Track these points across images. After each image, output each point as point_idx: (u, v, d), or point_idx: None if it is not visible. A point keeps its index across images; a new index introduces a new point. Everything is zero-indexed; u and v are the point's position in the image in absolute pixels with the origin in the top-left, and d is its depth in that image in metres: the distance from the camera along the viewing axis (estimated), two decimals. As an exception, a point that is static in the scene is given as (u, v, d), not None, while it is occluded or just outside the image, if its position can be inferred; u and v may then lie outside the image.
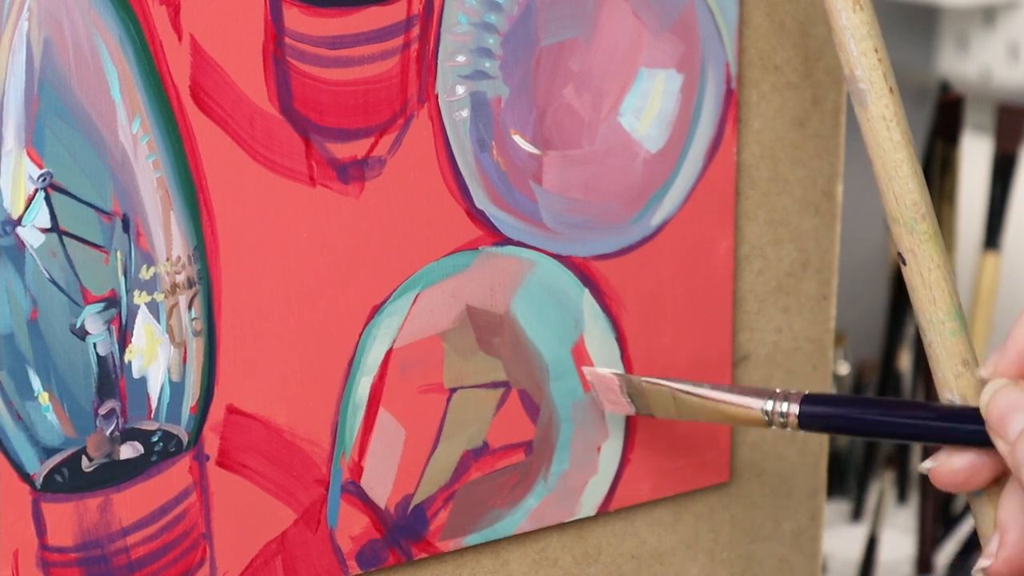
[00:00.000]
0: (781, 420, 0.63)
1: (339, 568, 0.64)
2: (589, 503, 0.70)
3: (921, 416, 0.61)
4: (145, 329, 0.58)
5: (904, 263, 0.62)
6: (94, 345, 0.57)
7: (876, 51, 0.62)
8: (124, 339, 0.58)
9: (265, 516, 0.62)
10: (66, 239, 0.56)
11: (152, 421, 0.59)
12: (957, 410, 0.60)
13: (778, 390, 0.64)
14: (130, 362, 0.58)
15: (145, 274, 0.58)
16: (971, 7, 1.41)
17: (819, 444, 0.77)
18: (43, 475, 0.57)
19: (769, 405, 0.63)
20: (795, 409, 0.62)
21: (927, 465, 0.60)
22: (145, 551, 0.59)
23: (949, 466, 0.60)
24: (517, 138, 0.65)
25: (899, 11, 1.45)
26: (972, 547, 1.16)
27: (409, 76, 0.62)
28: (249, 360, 0.60)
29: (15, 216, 0.55)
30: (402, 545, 0.65)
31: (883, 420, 0.61)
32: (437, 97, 0.63)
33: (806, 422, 0.63)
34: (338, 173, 0.61)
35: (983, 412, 0.58)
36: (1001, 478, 0.60)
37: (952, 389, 0.61)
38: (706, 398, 0.65)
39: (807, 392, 0.63)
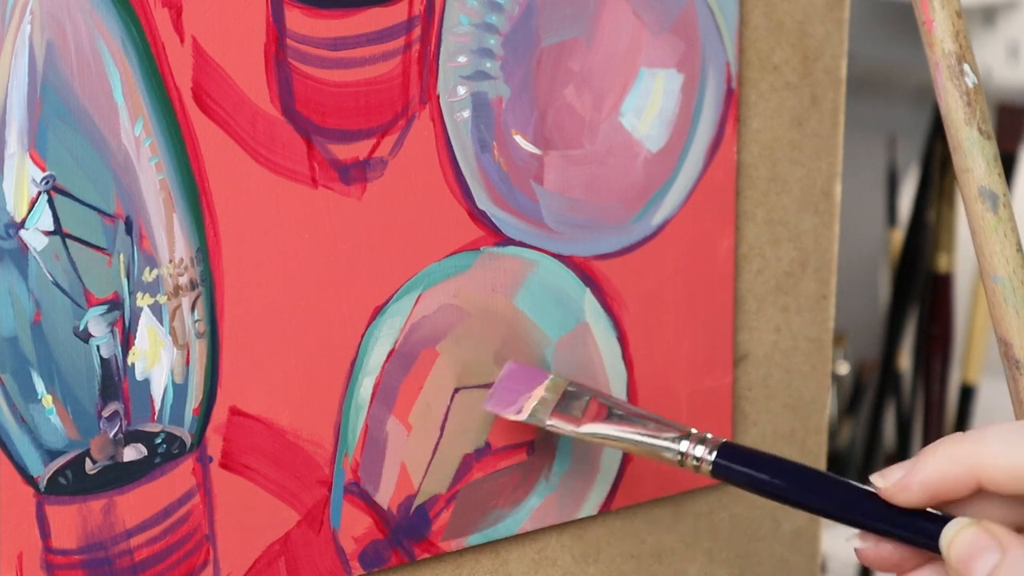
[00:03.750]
0: (694, 463, 0.61)
1: (342, 569, 0.64)
2: (591, 502, 0.70)
3: (835, 497, 0.59)
4: (148, 331, 0.58)
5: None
6: (97, 347, 0.57)
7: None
8: (127, 341, 0.58)
9: (268, 517, 0.62)
10: (69, 242, 0.56)
11: (155, 423, 0.59)
12: (878, 500, 0.58)
13: (694, 431, 0.62)
14: (133, 364, 0.58)
15: (148, 276, 0.58)
16: (971, 7, 1.41)
17: (818, 444, 0.77)
18: (47, 478, 0.57)
19: (684, 447, 0.62)
20: (709, 456, 0.61)
21: (856, 545, 0.58)
22: (149, 553, 0.60)
23: (877, 551, 0.58)
24: (518, 138, 0.65)
25: (899, 11, 1.45)
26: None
27: (410, 77, 0.62)
28: (252, 361, 0.60)
29: (18, 219, 0.55)
30: (405, 545, 0.65)
31: (795, 492, 0.59)
32: (438, 98, 0.63)
33: (720, 472, 0.61)
34: (340, 174, 0.61)
35: (943, 550, 0.56)
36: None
37: None
38: (621, 440, 0.63)
39: (725, 441, 0.61)
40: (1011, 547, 0.55)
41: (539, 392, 0.65)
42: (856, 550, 0.58)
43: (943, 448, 0.56)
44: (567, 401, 0.65)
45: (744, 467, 0.61)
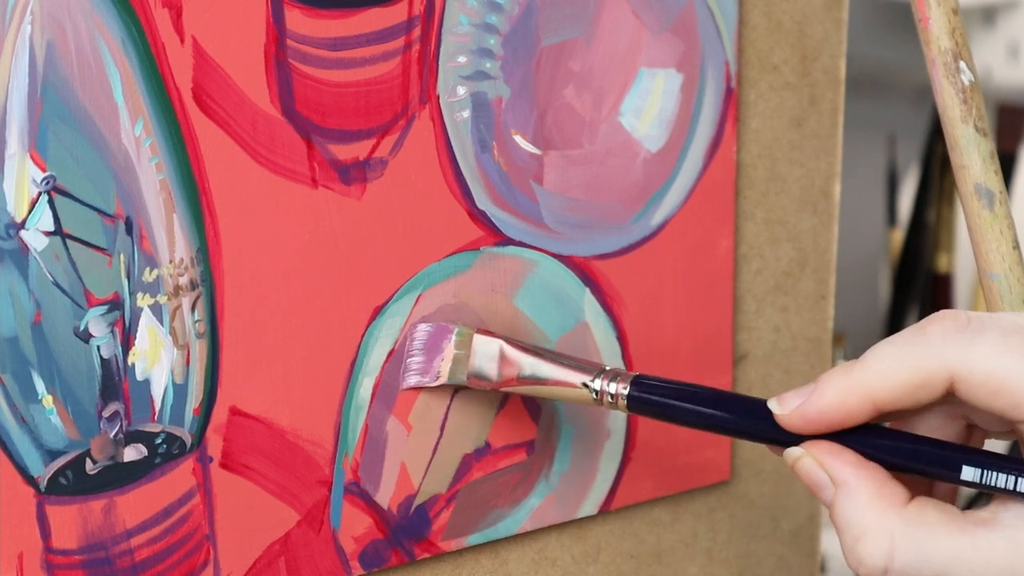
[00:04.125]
0: (610, 400, 0.61)
1: (342, 569, 0.64)
2: (591, 502, 0.70)
3: (743, 418, 0.58)
4: (148, 331, 0.58)
5: None
6: (98, 348, 0.57)
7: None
8: (128, 341, 0.58)
9: (268, 517, 0.62)
10: (69, 242, 0.56)
11: (156, 423, 0.59)
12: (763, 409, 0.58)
13: (608, 367, 0.61)
14: (133, 364, 0.58)
15: (148, 276, 0.58)
16: (971, 7, 1.41)
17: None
18: (47, 478, 0.57)
19: (597, 384, 0.61)
20: (624, 390, 0.60)
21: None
22: (149, 553, 0.60)
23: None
24: (518, 138, 0.65)
25: (898, 11, 1.45)
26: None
27: (410, 77, 0.62)
28: (252, 362, 0.60)
29: (19, 219, 0.55)
30: (405, 545, 0.65)
31: (705, 415, 0.59)
32: (438, 98, 0.63)
33: (634, 405, 0.60)
34: (340, 174, 0.61)
35: (791, 470, 0.57)
36: None
37: None
38: (530, 380, 0.63)
39: (637, 375, 0.61)
40: (840, 482, 0.55)
41: (450, 350, 0.64)
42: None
43: (835, 379, 0.56)
44: (479, 354, 0.64)
45: (658, 397, 0.60)
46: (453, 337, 0.64)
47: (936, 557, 0.54)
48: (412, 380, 0.64)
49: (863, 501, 0.55)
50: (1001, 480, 0.54)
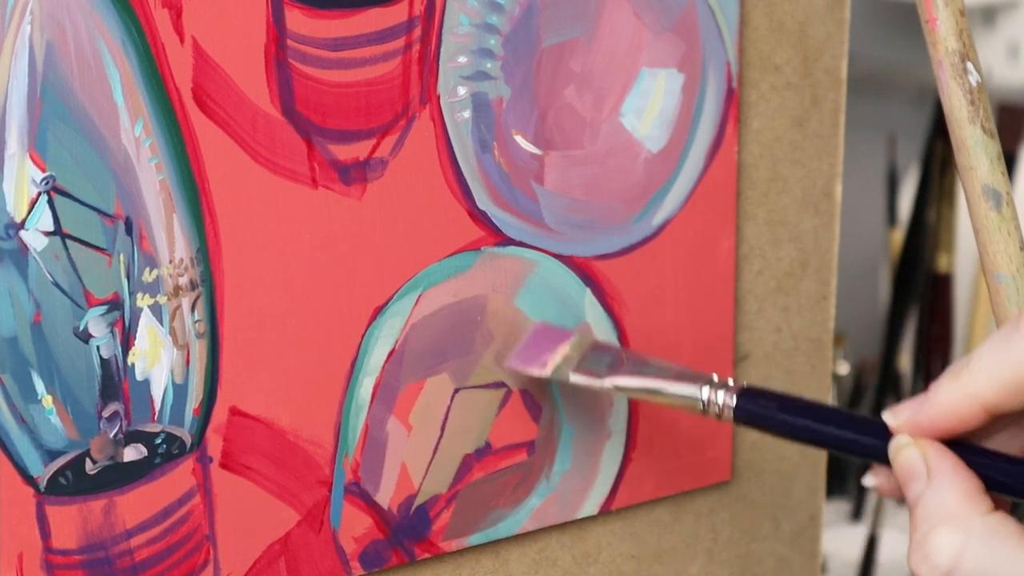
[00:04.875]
0: (716, 411, 0.61)
1: (342, 569, 0.64)
2: (592, 502, 0.70)
3: (852, 433, 0.58)
4: (148, 331, 0.58)
5: None
6: (97, 348, 0.57)
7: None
8: (127, 342, 0.58)
9: (268, 517, 0.62)
10: (69, 242, 0.56)
11: (155, 423, 0.59)
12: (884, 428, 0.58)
13: (715, 378, 0.62)
14: (133, 364, 0.58)
15: (148, 277, 0.58)
16: (971, 7, 1.41)
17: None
18: (47, 478, 0.57)
19: (706, 394, 0.61)
20: (731, 401, 0.61)
21: (868, 482, 0.59)
22: (149, 553, 0.60)
23: (890, 483, 0.58)
24: (519, 138, 0.65)
25: (899, 11, 1.45)
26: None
27: (411, 77, 0.62)
28: (252, 362, 0.60)
29: (18, 219, 0.55)
30: (405, 546, 0.65)
31: (815, 430, 0.59)
32: (439, 98, 0.63)
33: (742, 417, 0.61)
34: (340, 175, 0.61)
35: (891, 459, 0.57)
36: None
37: None
38: (645, 391, 0.63)
39: (745, 385, 0.61)
40: (936, 475, 0.55)
41: (563, 349, 0.65)
42: (874, 487, 0.59)
43: (945, 385, 0.56)
44: (591, 358, 0.65)
45: (765, 409, 0.60)
46: (570, 340, 0.65)
47: (1005, 570, 0.53)
48: (518, 364, 0.65)
49: (952, 497, 0.55)
50: None
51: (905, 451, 0.56)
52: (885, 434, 0.58)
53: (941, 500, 0.55)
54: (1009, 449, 0.57)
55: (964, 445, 0.56)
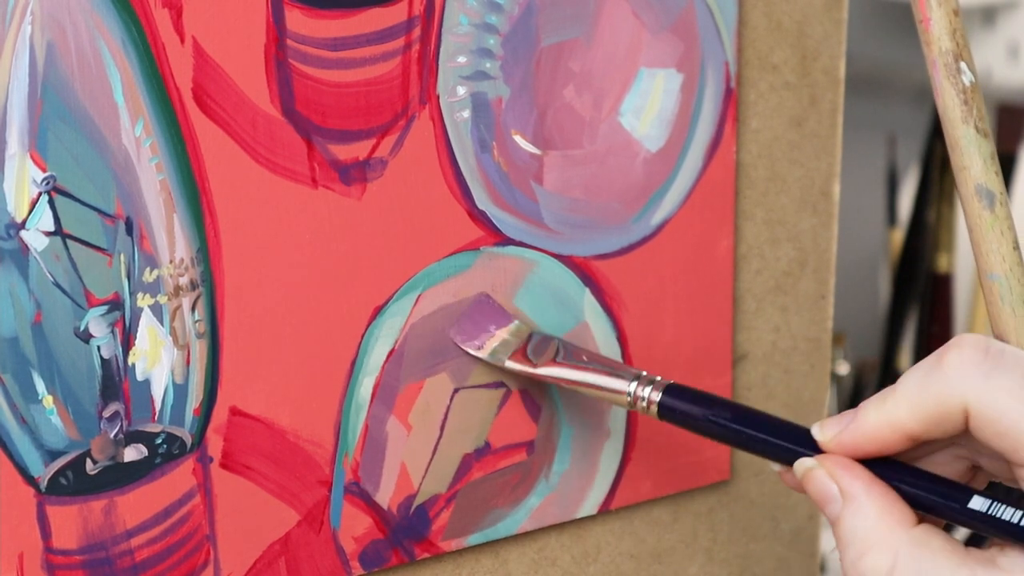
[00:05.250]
0: (643, 405, 0.62)
1: (342, 569, 0.64)
2: (591, 502, 0.70)
3: (775, 437, 0.59)
4: (149, 332, 0.58)
5: None
6: (98, 348, 0.57)
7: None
8: (128, 342, 0.58)
9: (268, 517, 0.62)
10: (70, 242, 0.56)
11: (156, 423, 0.59)
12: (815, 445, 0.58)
13: (644, 374, 0.63)
14: (134, 365, 0.58)
15: (148, 277, 0.58)
16: (971, 7, 1.41)
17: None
18: (47, 478, 0.57)
19: (632, 387, 0.62)
20: (656, 396, 0.62)
21: (775, 468, 0.59)
22: (149, 553, 0.60)
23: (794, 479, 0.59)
24: (518, 138, 0.65)
25: (898, 11, 1.45)
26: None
27: (410, 77, 0.62)
28: (252, 362, 0.60)
29: (19, 219, 0.55)
30: (405, 545, 0.65)
31: (733, 429, 0.60)
32: (438, 98, 0.63)
33: (665, 413, 0.62)
34: (340, 174, 0.61)
35: (800, 481, 0.57)
36: None
37: None
38: (577, 383, 0.64)
39: (671, 383, 0.62)
40: (851, 497, 0.55)
41: (502, 334, 0.65)
42: (778, 472, 0.59)
43: (872, 410, 0.56)
44: (528, 346, 0.65)
45: (688, 404, 0.61)
46: (511, 326, 0.65)
47: None
48: (456, 336, 0.65)
49: (872, 516, 0.55)
50: (1007, 513, 0.54)
51: (813, 473, 0.57)
52: (809, 442, 0.58)
53: (862, 522, 0.55)
54: (955, 464, 0.58)
55: (886, 462, 0.56)
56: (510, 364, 0.65)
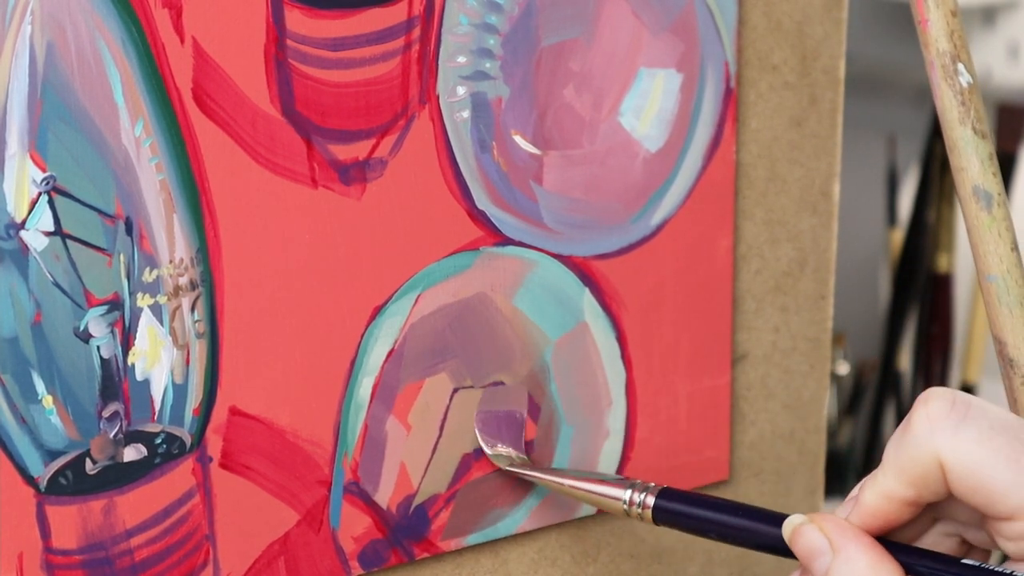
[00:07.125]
0: (638, 512, 0.62)
1: (342, 568, 0.64)
2: (591, 502, 0.70)
3: (769, 533, 0.59)
4: (148, 331, 0.58)
5: None
6: (97, 348, 0.57)
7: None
8: (127, 342, 0.58)
9: (268, 517, 0.62)
10: (69, 242, 0.56)
11: (155, 423, 0.59)
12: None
13: (638, 481, 0.63)
14: (133, 364, 0.58)
15: (148, 277, 0.58)
16: (971, 7, 1.41)
17: (817, 444, 0.77)
18: (47, 478, 0.57)
19: (627, 495, 0.63)
20: (650, 501, 0.62)
21: None
22: (149, 553, 0.60)
23: None
24: (518, 138, 0.65)
25: (898, 11, 1.45)
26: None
27: (410, 77, 0.62)
28: (252, 362, 0.60)
29: (19, 219, 0.55)
30: (404, 545, 0.65)
31: (732, 526, 0.60)
32: (438, 98, 0.63)
33: (660, 516, 0.62)
34: (340, 174, 0.61)
35: (788, 542, 0.57)
36: None
37: None
38: (569, 488, 0.65)
39: (664, 487, 0.62)
40: (841, 547, 0.55)
41: (509, 450, 0.67)
42: None
43: (868, 488, 0.56)
44: (530, 466, 0.67)
45: (684, 506, 0.61)
46: (521, 454, 0.67)
47: None
48: (479, 426, 0.67)
49: (861, 568, 0.55)
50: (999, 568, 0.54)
51: (802, 529, 0.57)
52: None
53: (852, 569, 0.55)
54: (944, 542, 0.57)
55: (890, 543, 0.56)
56: (509, 470, 0.66)
